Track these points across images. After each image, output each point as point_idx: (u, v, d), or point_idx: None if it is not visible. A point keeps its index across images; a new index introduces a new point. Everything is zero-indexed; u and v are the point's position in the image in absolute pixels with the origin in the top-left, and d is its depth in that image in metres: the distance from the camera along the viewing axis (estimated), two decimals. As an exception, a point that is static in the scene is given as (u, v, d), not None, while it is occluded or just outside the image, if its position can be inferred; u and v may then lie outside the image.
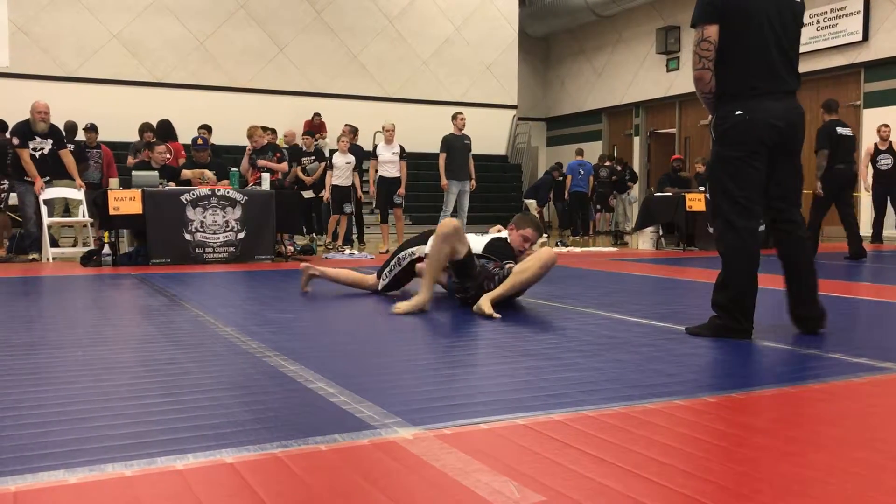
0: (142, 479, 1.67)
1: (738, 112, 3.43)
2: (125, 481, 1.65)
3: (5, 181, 9.19)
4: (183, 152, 10.01)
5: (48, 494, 1.58)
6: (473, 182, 10.81)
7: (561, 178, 15.79)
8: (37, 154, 8.62)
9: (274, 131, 11.45)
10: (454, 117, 10.88)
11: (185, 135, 12.44)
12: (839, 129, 8.84)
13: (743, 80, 3.44)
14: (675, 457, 1.82)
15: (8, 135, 8.92)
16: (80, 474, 1.68)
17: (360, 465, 1.77)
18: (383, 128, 10.66)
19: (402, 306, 4.22)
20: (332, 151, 10.82)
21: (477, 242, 4.68)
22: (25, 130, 8.54)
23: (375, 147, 10.90)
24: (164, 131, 10.30)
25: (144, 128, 10.53)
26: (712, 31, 3.43)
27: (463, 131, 10.77)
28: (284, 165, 9.76)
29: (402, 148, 10.54)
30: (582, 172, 15.51)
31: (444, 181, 10.66)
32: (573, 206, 15.53)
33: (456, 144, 10.73)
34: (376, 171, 10.55)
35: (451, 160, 10.69)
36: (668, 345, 3.33)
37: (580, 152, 16.35)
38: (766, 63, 3.44)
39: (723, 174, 3.52)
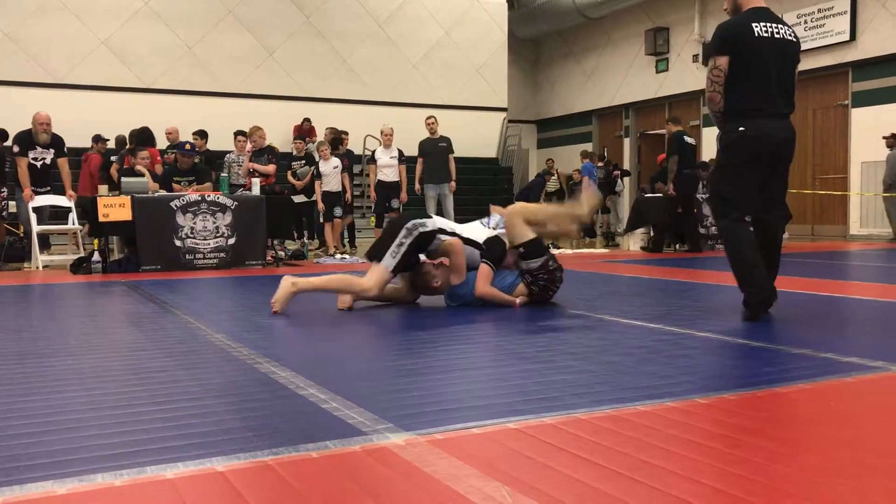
0: (131, 488, 1.66)
1: (740, 128, 4.09)
2: (115, 491, 1.64)
3: (4, 189, 9.17)
4: (159, 158, 9.98)
5: (37, 506, 1.57)
6: (453, 183, 10.79)
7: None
8: (38, 164, 8.65)
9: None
10: (425, 121, 10.90)
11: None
12: (686, 139, 10.35)
13: (746, 101, 4.09)
14: (667, 459, 1.82)
15: (10, 143, 8.93)
16: (70, 485, 1.67)
17: (351, 471, 1.76)
18: (381, 132, 10.65)
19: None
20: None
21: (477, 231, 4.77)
22: (26, 139, 8.58)
23: (373, 151, 10.88)
24: (144, 137, 10.27)
25: (130, 136, 10.52)
26: (723, 61, 4.09)
27: (437, 134, 10.77)
28: (271, 168, 9.73)
29: (400, 152, 10.53)
30: (594, 175, 15.55)
31: (416, 186, 10.74)
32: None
33: (429, 149, 10.73)
34: (375, 175, 10.55)
35: (426, 165, 10.72)
36: (659, 346, 3.33)
37: (587, 154, 16.31)
38: (765, 89, 4.08)
39: (720, 178, 4.27)
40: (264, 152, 9.88)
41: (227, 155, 10.35)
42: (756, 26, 4.08)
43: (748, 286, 4.05)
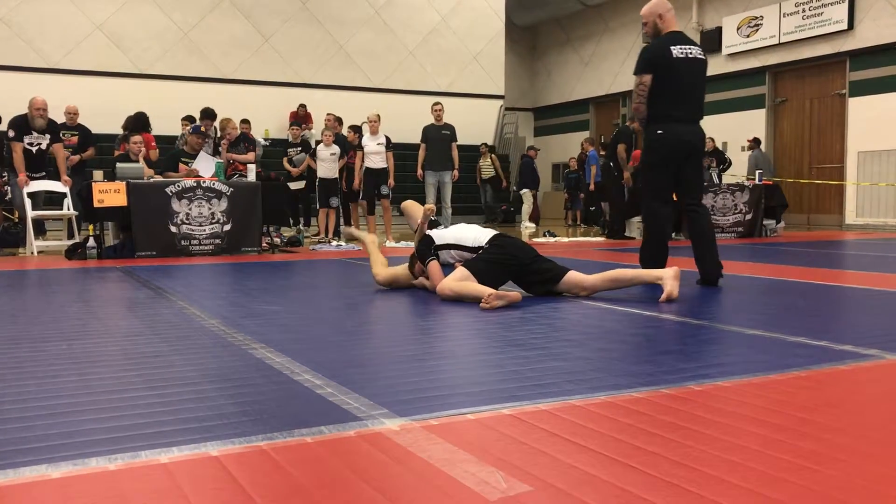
0: (126, 473, 1.65)
1: (658, 131, 5.05)
2: (109, 475, 1.64)
3: (5, 174, 9.14)
4: (154, 143, 9.95)
5: (31, 490, 1.56)
6: (456, 172, 10.77)
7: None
8: (33, 149, 8.63)
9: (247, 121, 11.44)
10: (431, 108, 10.89)
11: (170, 126, 12.37)
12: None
13: (664, 110, 5.02)
14: (662, 445, 1.82)
15: (6, 127, 8.90)
16: (64, 469, 1.66)
17: (346, 456, 1.76)
18: (367, 118, 10.64)
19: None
20: (318, 142, 10.78)
21: (482, 234, 4.65)
22: (22, 124, 8.54)
23: (361, 138, 10.87)
24: (139, 122, 10.25)
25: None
26: (647, 78, 5.03)
27: (443, 121, 10.75)
28: (251, 156, 9.70)
29: (387, 138, 10.52)
30: (599, 163, 15.52)
31: (419, 172, 10.72)
32: (598, 198, 15.40)
33: (433, 135, 10.70)
34: (362, 162, 10.53)
35: (428, 151, 10.70)
36: (654, 334, 3.34)
37: (592, 142, 16.23)
38: (679, 100, 5.02)
39: (647, 173, 5.26)
40: (239, 141, 9.87)
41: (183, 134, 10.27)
42: (674, 49, 5.00)
43: (652, 261, 5.04)
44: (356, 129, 11.39)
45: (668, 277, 4.24)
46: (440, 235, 4.68)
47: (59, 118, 9.20)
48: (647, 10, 5.19)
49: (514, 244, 4.58)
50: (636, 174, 11.45)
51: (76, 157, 9.58)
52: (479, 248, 4.53)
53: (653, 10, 5.16)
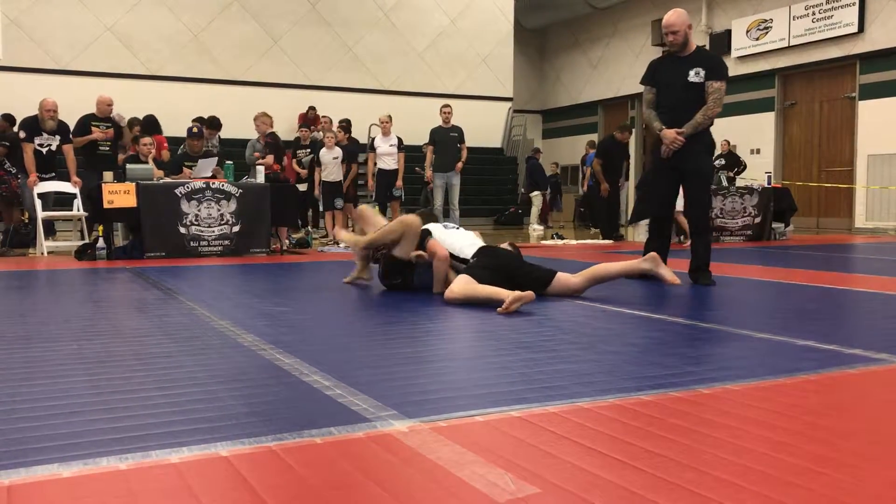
0: (136, 472, 1.66)
1: (713, 137, 5.49)
2: (120, 475, 1.65)
3: (20, 175, 9.19)
4: (165, 145, 9.98)
5: (42, 488, 1.58)
6: (459, 164, 10.74)
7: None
8: (44, 150, 8.67)
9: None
10: (440, 110, 10.90)
11: (180, 127, 12.40)
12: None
13: None
14: (671, 448, 1.82)
15: (17, 128, 8.93)
16: (75, 468, 1.68)
17: (355, 457, 1.76)
18: (379, 120, 10.66)
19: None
20: (321, 144, 10.82)
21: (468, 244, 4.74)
22: (33, 126, 8.59)
23: (373, 140, 10.89)
24: (150, 125, 10.30)
25: (132, 122, 10.52)
26: None
27: (451, 123, 10.76)
28: (270, 159, 9.70)
29: (399, 140, 10.53)
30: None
31: (427, 173, 10.72)
32: (594, 200, 15.36)
33: (441, 137, 10.71)
34: (374, 163, 10.54)
35: (436, 153, 10.71)
36: (663, 336, 3.33)
37: (593, 144, 16.24)
38: None
39: (711, 175, 5.69)
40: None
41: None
42: None
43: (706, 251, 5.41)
44: (345, 127, 11.38)
45: (656, 266, 4.53)
46: (437, 235, 4.79)
47: (70, 120, 9.20)
48: (679, 20, 5.19)
49: (502, 252, 4.72)
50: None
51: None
52: (463, 259, 4.65)
53: (684, 21, 5.22)
